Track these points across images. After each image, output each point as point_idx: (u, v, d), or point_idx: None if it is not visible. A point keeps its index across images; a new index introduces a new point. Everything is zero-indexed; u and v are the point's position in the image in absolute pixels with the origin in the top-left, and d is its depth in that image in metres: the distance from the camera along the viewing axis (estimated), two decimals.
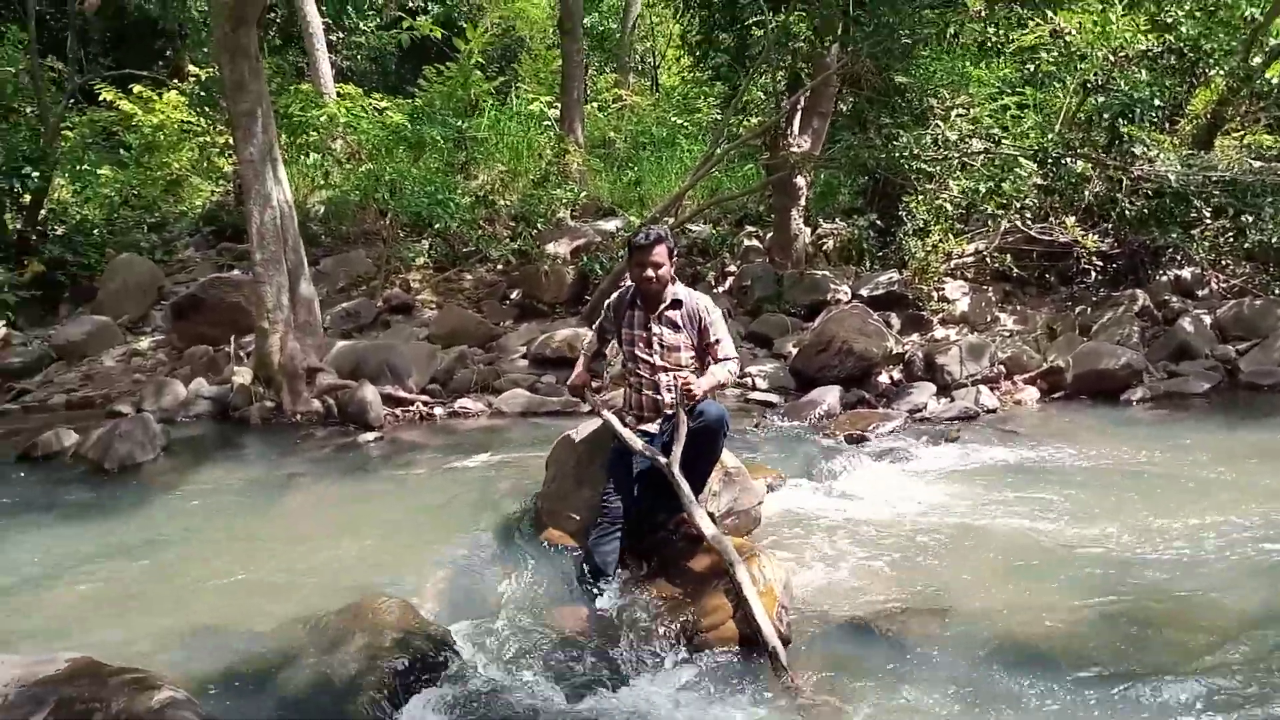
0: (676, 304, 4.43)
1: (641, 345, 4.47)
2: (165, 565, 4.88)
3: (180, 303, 10.08)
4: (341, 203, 12.48)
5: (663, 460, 4.22)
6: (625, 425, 4.48)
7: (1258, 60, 10.73)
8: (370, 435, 7.57)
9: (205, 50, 15.01)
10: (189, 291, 10.24)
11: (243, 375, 8.51)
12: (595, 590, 4.28)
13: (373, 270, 11.53)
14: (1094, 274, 10.16)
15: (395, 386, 8.36)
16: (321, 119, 12.89)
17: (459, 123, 13.48)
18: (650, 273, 4.33)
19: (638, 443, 4.33)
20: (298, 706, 3.43)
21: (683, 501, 4.20)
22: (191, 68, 14.43)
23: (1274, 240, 9.55)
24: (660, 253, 4.34)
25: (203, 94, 12.98)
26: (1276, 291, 9.83)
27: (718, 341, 4.41)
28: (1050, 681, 3.49)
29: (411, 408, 8.26)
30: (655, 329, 4.42)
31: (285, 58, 15.05)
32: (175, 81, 14.61)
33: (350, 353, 8.77)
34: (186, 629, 4.05)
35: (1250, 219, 9.77)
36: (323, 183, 13.29)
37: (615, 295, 4.67)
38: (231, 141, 10.40)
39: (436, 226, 11.37)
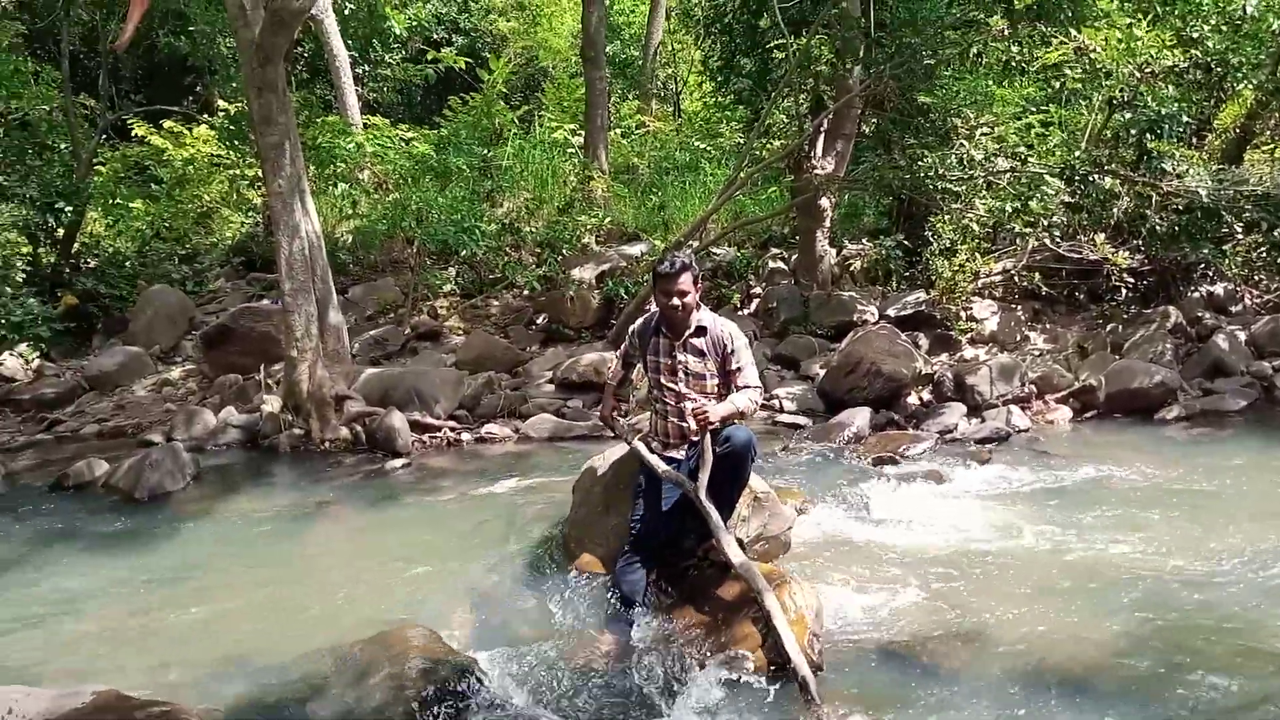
0: (701, 331, 4.39)
1: (666, 373, 4.44)
2: (194, 595, 4.91)
3: (210, 333, 10.18)
4: (369, 232, 12.59)
5: (690, 485, 4.18)
6: (652, 452, 4.45)
7: None
8: (398, 462, 7.58)
9: (234, 85, 15.25)
10: (219, 321, 10.34)
11: (272, 403, 8.56)
12: (624, 619, 4.24)
13: (400, 298, 11.61)
14: (1125, 291, 10.03)
15: (423, 413, 8.37)
16: (349, 148, 13.02)
17: (484, 151, 13.58)
18: (675, 301, 4.29)
19: (667, 470, 4.30)
20: None
21: (711, 528, 4.15)
22: (221, 102, 14.66)
23: None
24: (685, 280, 4.29)
25: (232, 128, 13.17)
26: None
27: (739, 369, 4.36)
28: (1088, 711, 3.41)
29: (439, 434, 8.27)
30: (680, 357, 4.39)
31: (313, 91, 15.32)
32: (205, 116, 14.87)
33: (378, 380, 8.80)
34: (214, 659, 4.06)
35: None
36: (351, 212, 13.43)
37: (640, 321, 4.65)
38: (260, 174, 10.54)
39: (463, 254, 11.44)
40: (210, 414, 8.72)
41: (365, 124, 14.84)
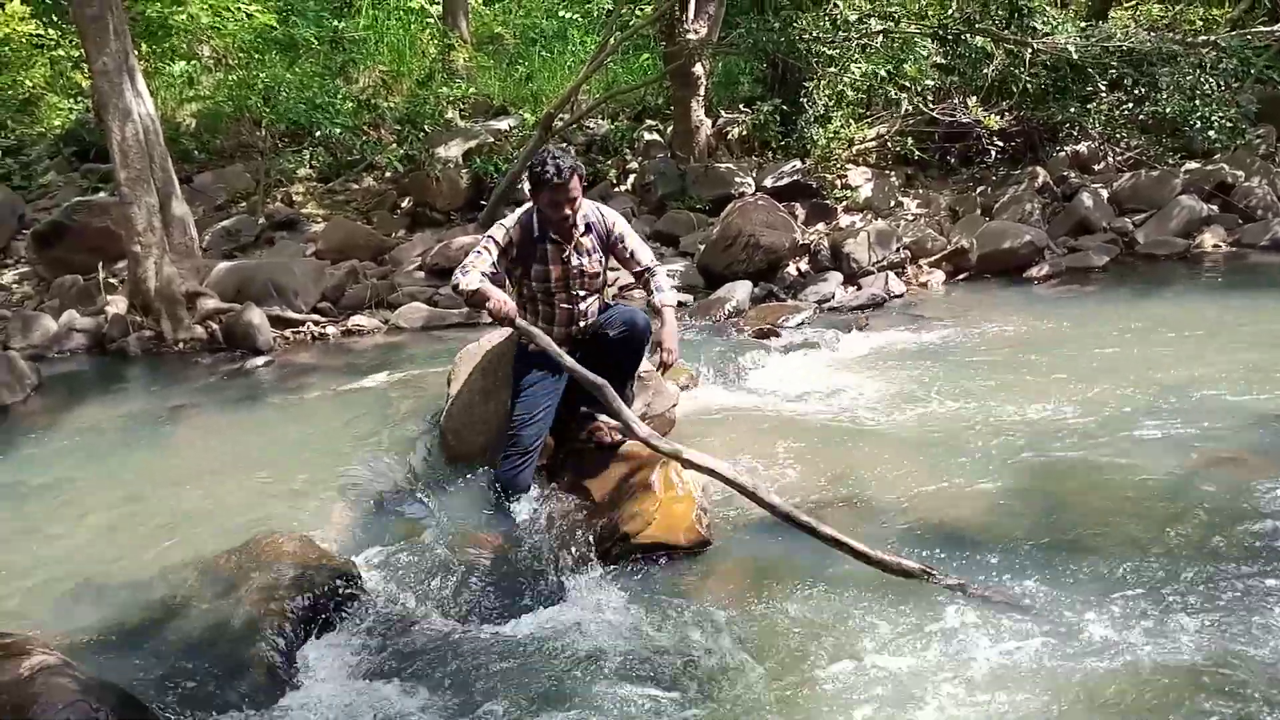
0: (588, 229, 4.14)
1: (557, 281, 4.14)
2: (38, 515, 4.51)
3: (43, 231, 9.34)
4: (213, 114, 11.66)
5: (599, 381, 3.96)
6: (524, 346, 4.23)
7: None
8: (259, 360, 7.17)
9: None
10: (52, 218, 9.48)
11: (117, 304, 8.01)
12: (508, 511, 4.10)
13: (252, 185, 10.84)
14: (994, 154, 10.14)
15: (283, 307, 7.93)
16: (182, 19, 11.91)
17: (335, 22, 12.65)
18: (568, 211, 3.95)
19: (577, 368, 4.04)
20: (191, 657, 3.19)
21: (616, 414, 4.00)
22: None
23: (1168, 110, 9.64)
24: (575, 185, 3.92)
25: (48, 1, 11.85)
26: (1170, 162, 9.97)
27: (633, 254, 4.20)
28: (969, 564, 3.46)
29: (302, 329, 7.86)
30: (575, 261, 4.11)
31: None
32: None
33: (233, 274, 8.26)
34: (63, 584, 3.74)
35: (1145, 90, 9.82)
36: (191, 93, 12.37)
37: (515, 223, 4.14)
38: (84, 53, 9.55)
39: (317, 135, 10.72)
40: (50, 319, 8.06)
41: None
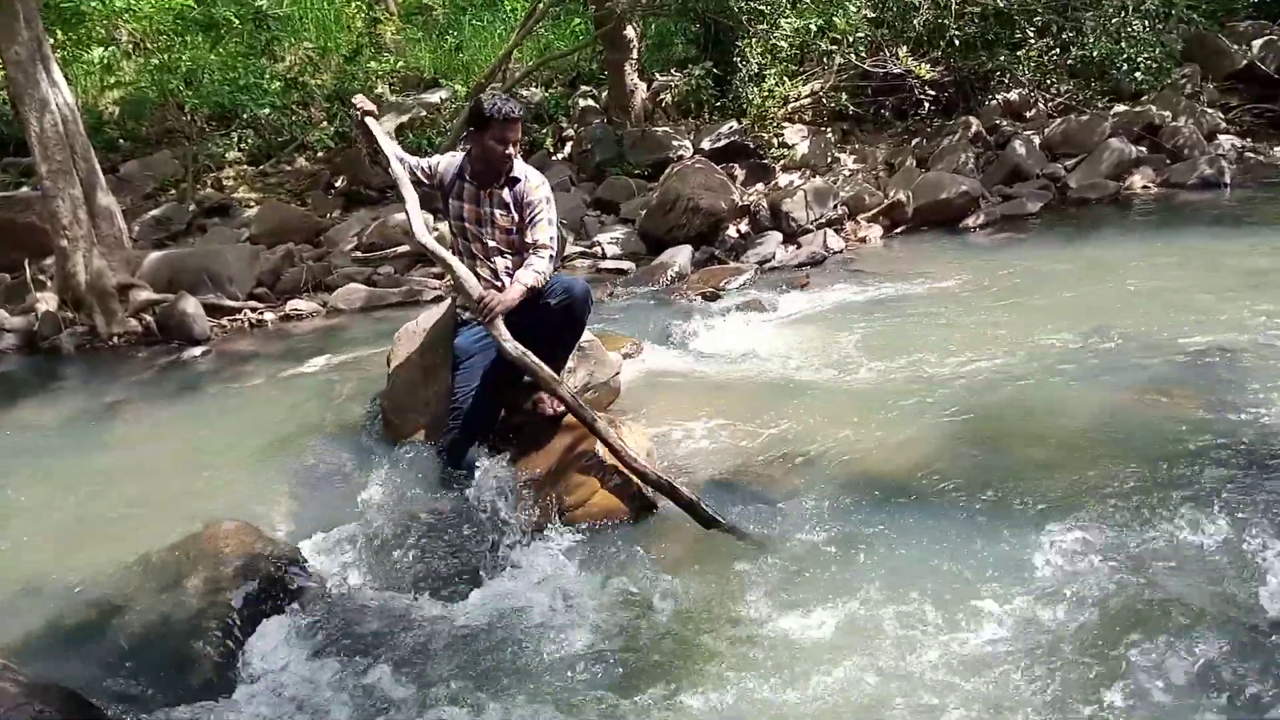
0: (514, 181, 4.09)
1: (472, 222, 4.16)
2: None
3: None
4: (136, 100, 11.33)
5: (514, 351, 3.89)
6: (463, 321, 4.18)
7: None
8: (196, 350, 7.06)
9: None
10: None
11: (47, 301, 7.77)
12: (453, 484, 4.09)
13: (180, 171, 10.58)
14: (928, 105, 10.20)
15: (219, 295, 7.78)
16: (94, 6, 11.51)
17: (256, 0, 12.30)
18: (513, 149, 4.01)
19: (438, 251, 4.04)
20: (137, 654, 3.16)
21: (542, 381, 3.96)
22: None
23: (1094, 54, 9.78)
24: (519, 127, 4.06)
25: None
26: (1099, 105, 10.12)
27: (533, 223, 4.07)
28: (913, 514, 3.53)
29: (239, 316, 7.72)
30: (486, 208, 4.10)
31: None
32: None
33: (165, 263, 8.07)
34: (3, 587, 3.67)
35: (1072, 35, 9.94)
36: (112, 80, 12.00)
37: (444, 160, 4.26)
38: None
39: (245, 117, 10.47)
40: None
41: None
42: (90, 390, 6.49)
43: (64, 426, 5.73)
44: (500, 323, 3.89)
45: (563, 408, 4.23)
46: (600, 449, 3.95)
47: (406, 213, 4.07)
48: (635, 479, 3.81)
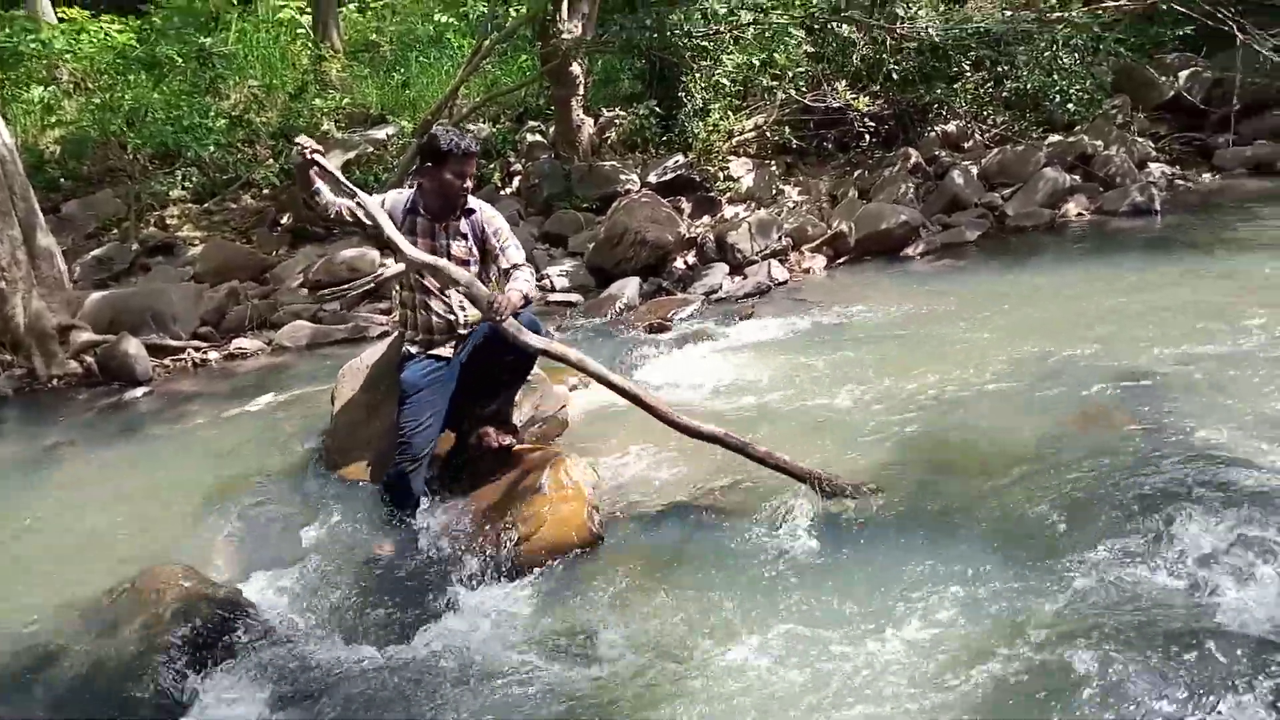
0: (469, 213, 4.11)
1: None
2: None
3: None
4: (77, 140, 11.16)
5: (537, 342, 3.98)
6: (414, 356, 4.14)
7: None
8: (139, 391, 6.95)
9: None
10: None
11: None
12: (399, 521, 4.07)
13: (123, 210, 10.42)
14: (868, 137, 10.40)
15: (161, 335, 7.65)
16: (34, 46, 11.39)
17: (201, 39, 12.24)
18: (469, 183, 4.01)
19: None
20: (72, 702, 3.12)
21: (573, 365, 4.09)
22: None
23: (1028, 87, 10.06)
24: (475, 161, 4.06)
25: None
26: (1034, 136, 10.41)
27: (504, 249, 4.10)
28: (857, 537, 3.59)
29: (182, 356, 7.61)
30: (443, 241, 4.07)
31: None
32: None
33: (106, 304, 7.93)
34: None
35: (1006, 68, 10.23)
36: (53, 119, 11.83)
37: (388, 198, 4.18)
38: None
39: (188, 155, 10.36)
40: None
41: (61, 17, 13.03)
42: (28, 434, 6.36)
43: (1, 472, 5.60)
44: (514, 320, 3.92)
45: (507, 440, 4.26)
46: (545, 481, 3.97)
47: (389, 238, 3.95)
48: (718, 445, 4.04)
